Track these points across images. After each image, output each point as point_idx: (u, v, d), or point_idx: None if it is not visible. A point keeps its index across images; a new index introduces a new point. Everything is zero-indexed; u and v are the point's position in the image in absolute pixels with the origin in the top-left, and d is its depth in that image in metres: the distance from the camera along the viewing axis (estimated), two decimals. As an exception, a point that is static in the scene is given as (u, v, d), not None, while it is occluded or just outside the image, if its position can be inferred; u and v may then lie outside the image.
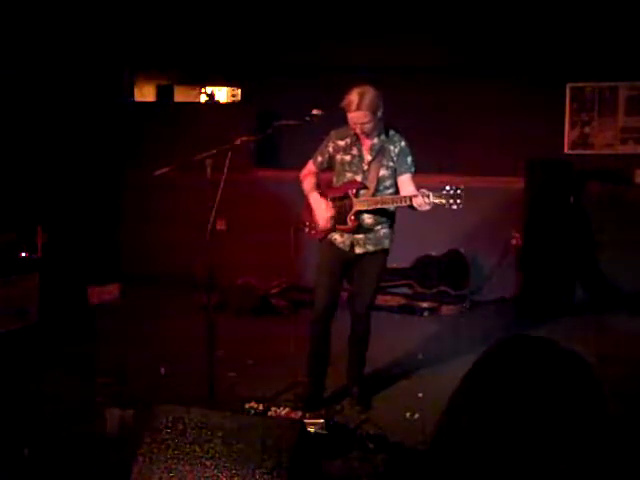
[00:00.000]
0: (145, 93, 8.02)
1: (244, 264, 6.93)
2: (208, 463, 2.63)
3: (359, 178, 4.13)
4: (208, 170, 3.80)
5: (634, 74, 6.67)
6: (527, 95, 6.85)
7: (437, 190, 3.86)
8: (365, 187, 4.11)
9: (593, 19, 6.55)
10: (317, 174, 4.31)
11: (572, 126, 6.93)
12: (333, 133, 4.22)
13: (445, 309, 6.65)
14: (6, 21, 6.32)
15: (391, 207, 4.11)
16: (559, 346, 1.21)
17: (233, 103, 7.87)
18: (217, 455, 2.63)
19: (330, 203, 4.19)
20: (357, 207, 4.09)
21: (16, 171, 6.36)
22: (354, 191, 4.11)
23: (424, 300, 6.75)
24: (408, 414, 4.17)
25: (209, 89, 7.85)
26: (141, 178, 6.54)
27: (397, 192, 4.13)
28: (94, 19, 7.02)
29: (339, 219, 4.15)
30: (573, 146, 6.94)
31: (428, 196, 3.84)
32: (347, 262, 4.23)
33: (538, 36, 6.73)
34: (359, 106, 3.93)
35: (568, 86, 6.89)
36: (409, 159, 4.16)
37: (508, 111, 6.89)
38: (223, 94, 7.93)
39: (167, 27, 7.45)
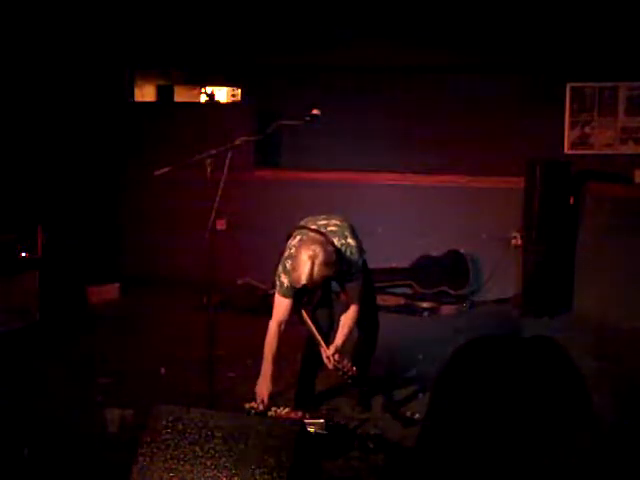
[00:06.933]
0: (145, 93, 8.02)
1: (244, 264, 6.93)
2: (208, 463, 2.63)
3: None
4: (208, 170, 3.79)
5: (634, 74, 6.66)
6: (527, 95, 6.85)
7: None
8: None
9: (593, 19, 6.55)
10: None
11: (572, 126, 6.92)
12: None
13: (445, 309, 6.65)
14: (6, 21, 6.32)
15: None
16: (520, 339, 1.23)
17: (233, 103, 7.87)
18: (217, 455, 2.63)
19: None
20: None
21: (16, 171, 6.36)
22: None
23: (424, 300, 6.74)
24: (408, 414, 4.17)
25: (209, 89, 7.85)
26: (141, 178, 6.55)
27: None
28: (94, 19, 7.03)
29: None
30: (573, 146, 6.94)
31: (334, 356, 3.86)
32: None
33: (538, 36, 6.72)
34: (310, 282, 3.74)
35: (568, 86, 6.88)
36: (353, 269, 3.99)
37: (508, 111, 6.89)
38: (223, 94, 7.93)
39: (167, 27, 7.44)
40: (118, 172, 7.49)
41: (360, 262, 4.04)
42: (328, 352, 3.88)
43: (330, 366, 3.88)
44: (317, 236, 3.87)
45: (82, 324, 5.98)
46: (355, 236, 4.03)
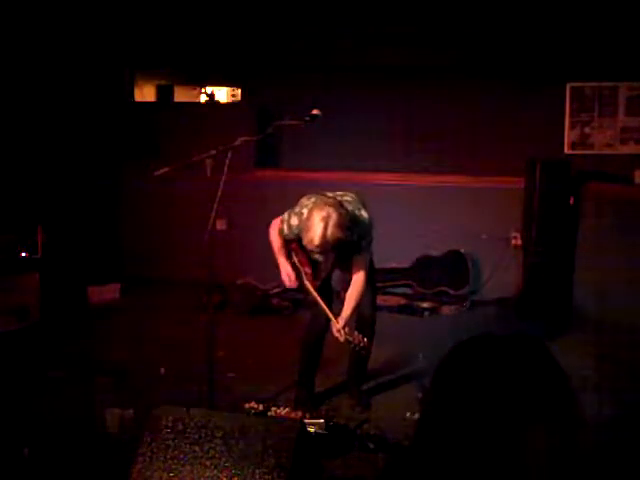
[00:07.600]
0: (145, 93, 8.02)
1: (244, 264, 6.93)
2: (208, 463, 2.63)
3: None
4: (208, 170, 3.79)
5: (634, 74, 6.67)
6: (527, 95, 6.85)
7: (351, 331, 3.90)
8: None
9: (593, 19, 6.55)
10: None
11: (572, 126, 6.93)
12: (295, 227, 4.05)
13: (445, 309, 6.65)
14: (6, 21, 6.32)
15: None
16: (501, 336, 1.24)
17: (233, 103, 7.87)
18: (217, 455, 2.63)
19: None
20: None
21: (16, 171, 6.36)
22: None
23: (424, 300, 6.75)
24: (408, 414, 4.17)
25: (209, 89, 7.85)
26: (141, 178, 6.54)
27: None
28: (94, 19, 7.03)
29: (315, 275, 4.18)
30: (573, 146, 6.94)
31: (344, 329, 3.87)
32: None
33: (538, 36, 6.72)
34: (323, 243, 3.71)
35: (568, 86, 6.88)
36: (363, 242, 4.02)
37: (508, 111, 6.90)
38: (223, 94, 7.93)
39: (167, 27, 7.45)
40: (118, 172, 7.49)
41: (370, 235, 4.04)
42: (338, 325, 3.87)
43: (341, 339, 3.86)
44: (331, 200, 3.87)
45: (82, 324, 5.98)
46: (367, 212, 4.05)
